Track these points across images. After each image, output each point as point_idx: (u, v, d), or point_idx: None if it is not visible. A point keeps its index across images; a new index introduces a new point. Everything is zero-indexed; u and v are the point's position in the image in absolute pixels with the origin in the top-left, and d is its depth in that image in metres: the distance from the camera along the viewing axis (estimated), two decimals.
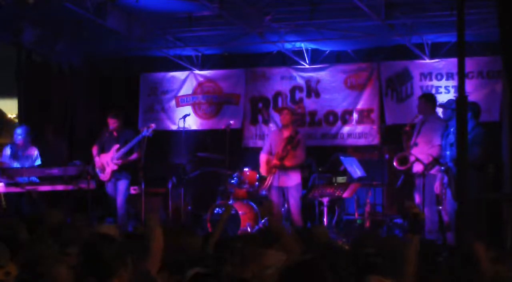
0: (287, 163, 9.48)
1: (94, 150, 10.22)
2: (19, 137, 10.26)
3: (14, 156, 10.24)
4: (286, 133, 9.64)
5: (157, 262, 4.16)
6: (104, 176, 10.06)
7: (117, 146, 10.03)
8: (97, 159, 10.12)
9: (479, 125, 8.72)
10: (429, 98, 9.63)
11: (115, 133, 10.16)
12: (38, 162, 10.35)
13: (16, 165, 10.16)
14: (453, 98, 9.71)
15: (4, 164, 10.13)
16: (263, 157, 9.77)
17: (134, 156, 10.02)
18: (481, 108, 9.14)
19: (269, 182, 9.56)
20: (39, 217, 5.78)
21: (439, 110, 9.57)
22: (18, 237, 4.92)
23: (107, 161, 10.04)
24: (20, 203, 9.95)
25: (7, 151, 10.30)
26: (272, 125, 11.96)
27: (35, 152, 10.37)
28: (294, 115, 9.86)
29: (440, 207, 8.95)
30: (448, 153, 8.64)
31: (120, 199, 9.99)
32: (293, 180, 9.49)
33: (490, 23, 8.97)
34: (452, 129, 8.52)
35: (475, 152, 8.12)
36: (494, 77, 10.58)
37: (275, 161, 9.49)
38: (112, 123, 10.12)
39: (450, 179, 8.56)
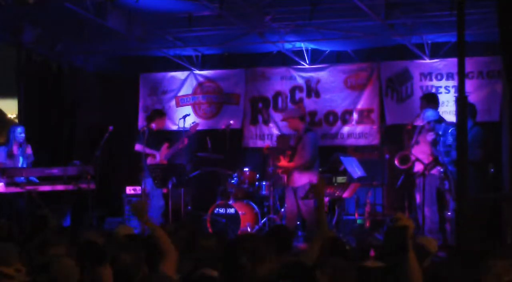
0: (292, 164, 9.45)
1: (139, 148, 10.30)
2: (21, 136, 10.22)
3: (12, 155, 10.20)
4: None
5: (173, 263, 4.02)
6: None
7: (167, 144, 10.44)
8: (150, 158, 10.34)
9: (477, 125, 8.75)
10: (430, 98, 9.65)
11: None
12: (31, 158, 10.35)
13: (15, 164, 10.13)
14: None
15: (2, 164, 10.10)
16: None
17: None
18: (479, 108, 9.17)
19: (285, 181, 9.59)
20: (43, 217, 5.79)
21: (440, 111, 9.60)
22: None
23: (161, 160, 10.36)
24: (19, 203, 9.92)
25: (3, 152, 10.23)
26: (272, 125, 11.97)
27: (30, 150, 10.36)
28: (302, 120, 9.70)
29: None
30: (448, 152, 8.68)
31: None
32: (300, 180, 9.42)
33: (490, 23, 8.97)
34: (450, 131, 8.57)
35: (475, 152, 8.14)
36: (494, 77, 10.58)
37: (279, 164, 9.54)
38: (161, 123, 10.56)
39: (450, 181, 8.59)
